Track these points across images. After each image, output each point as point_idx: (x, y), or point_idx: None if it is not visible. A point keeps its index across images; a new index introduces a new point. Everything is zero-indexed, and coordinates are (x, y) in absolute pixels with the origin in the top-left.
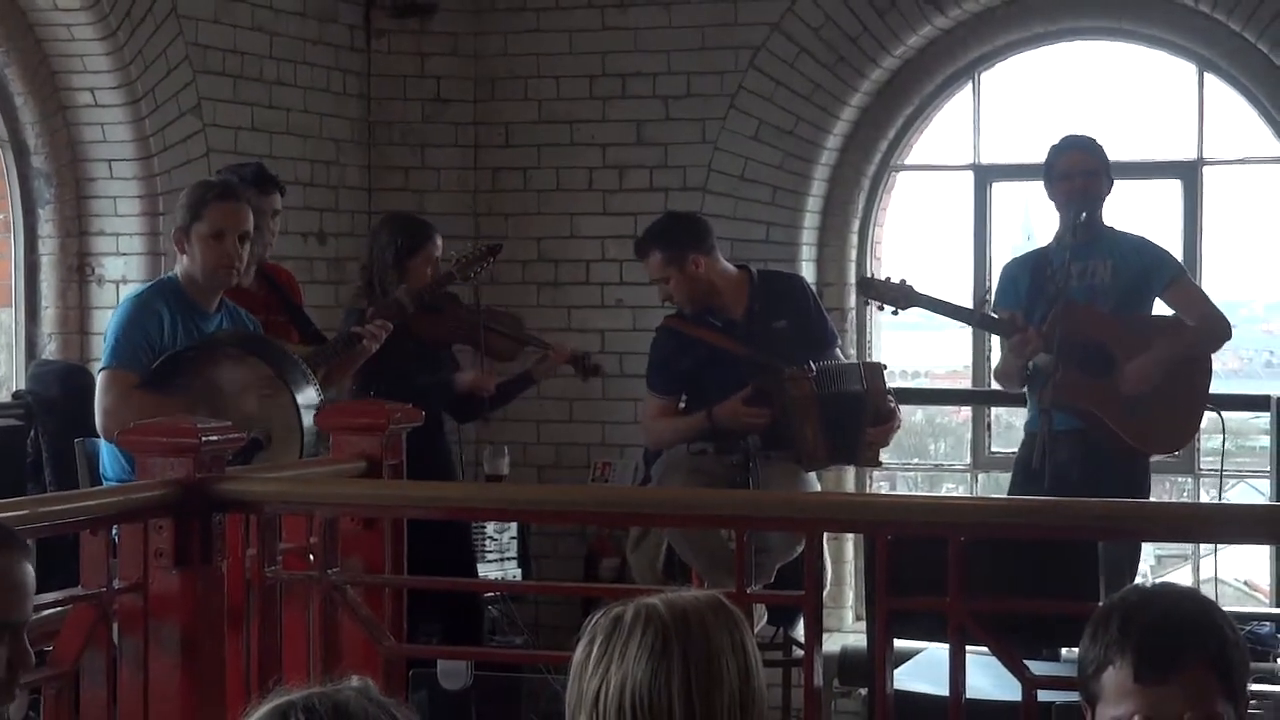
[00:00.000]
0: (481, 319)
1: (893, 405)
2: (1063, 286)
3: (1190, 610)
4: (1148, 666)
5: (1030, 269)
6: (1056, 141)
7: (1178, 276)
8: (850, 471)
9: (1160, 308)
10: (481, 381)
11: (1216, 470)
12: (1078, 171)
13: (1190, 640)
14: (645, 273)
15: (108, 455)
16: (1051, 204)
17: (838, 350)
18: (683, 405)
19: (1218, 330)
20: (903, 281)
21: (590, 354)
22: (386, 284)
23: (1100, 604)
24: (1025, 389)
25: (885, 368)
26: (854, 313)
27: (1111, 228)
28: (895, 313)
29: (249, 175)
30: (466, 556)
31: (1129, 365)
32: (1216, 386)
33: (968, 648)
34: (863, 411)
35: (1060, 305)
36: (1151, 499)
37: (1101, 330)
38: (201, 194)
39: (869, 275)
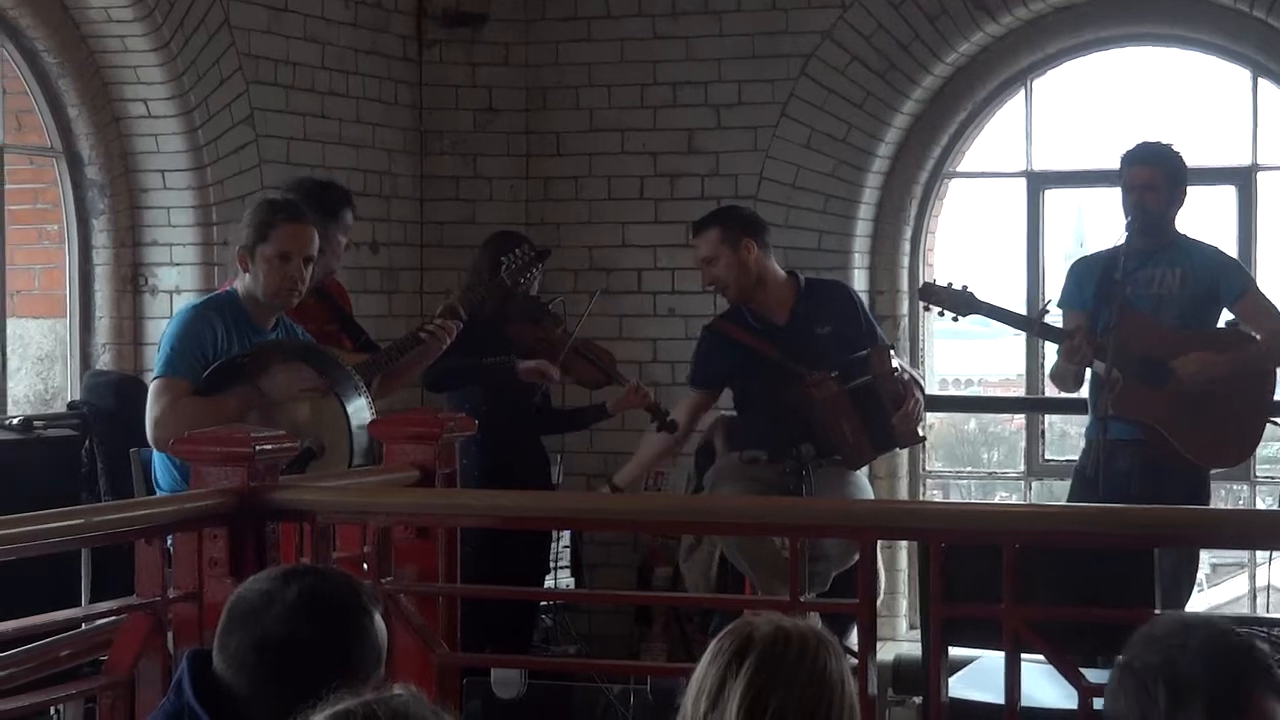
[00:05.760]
0: (573, 341)
1: (904, 383)
2: (1123, 294)
3: (1233, 646)
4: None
5: (1099, 272)
6: (1130, 148)
7: (1248, 288)
8: (904, 480)
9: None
10: (543, 369)
11: (1272, 478)
12: (1136, 185)
13: (1254, 674)
14: (695, 255)
15: (159, 464)
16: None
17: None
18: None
19: None
20: (964, 288)
21: (669, 413)
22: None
23: (1120, 668)
24: (1087, 395)
25: (892, 348)
26: (906, 320)
27: (1184, 235)
28: (955, 319)
29: (333, 194)
30: (539, 565)
31: (1190, 356)
32: None
33: (1022, 655)
34: (881, 397)
35: (1116, 314)
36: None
37: (1161, 342)
38: (269, 215)
39: (931, 281)
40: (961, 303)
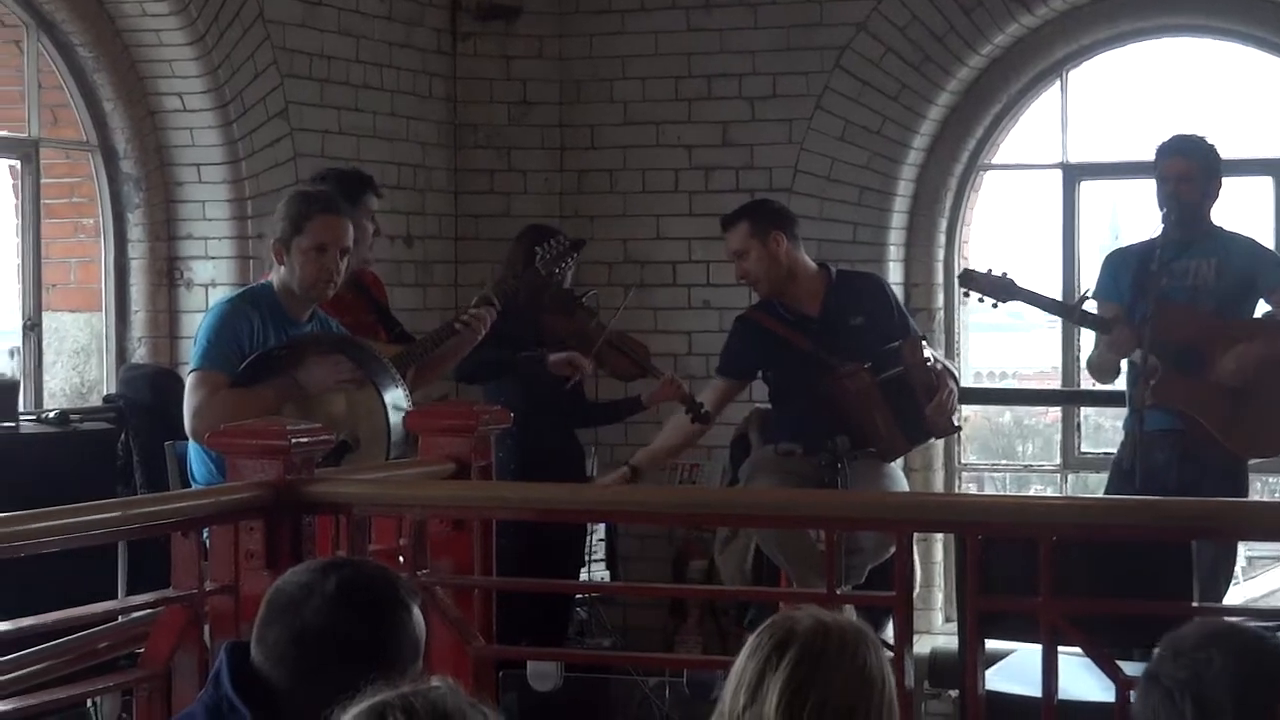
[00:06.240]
0: (607, 334)
1: (937, 373)
2: (1159, 285)
3: (1260, 652)
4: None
5: (1134, 263)
6: (1164, 140)
7: None
8: (939, 472)
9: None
10: (574, 360)
11: None
12: (1171, 176)
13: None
14: (726, 249)
15: (195, 457)
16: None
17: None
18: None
19: None
20: (1004, 275)
21: (704, 405)
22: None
23: (1147, 679)
24: (1125, 387)
25: (925, 338)
26: (942, 313)
27: (1220, 227)
28: (995, 305)
29: (355, 180)
30: (575, 558)
31: (1228, 352)
32: None
33: (1059, 648)
34: (914, 388)
35: (1153, 305)
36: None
37: (1200, 330)
38: (304, 207)
39: (970, 268)
40: (1001, 289)
